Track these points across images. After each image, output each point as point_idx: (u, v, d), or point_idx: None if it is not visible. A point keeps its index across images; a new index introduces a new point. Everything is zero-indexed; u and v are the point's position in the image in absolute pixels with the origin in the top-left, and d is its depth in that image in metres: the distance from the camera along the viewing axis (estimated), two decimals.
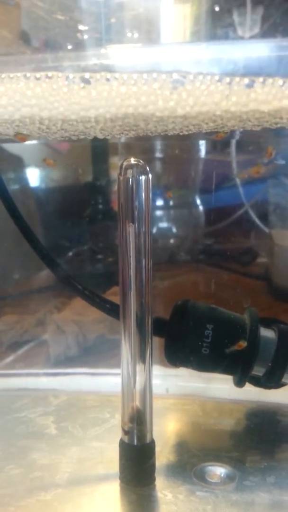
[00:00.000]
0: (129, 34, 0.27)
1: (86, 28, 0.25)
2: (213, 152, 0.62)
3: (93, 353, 0.51)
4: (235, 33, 0.26)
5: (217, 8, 0.26)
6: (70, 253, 0.64)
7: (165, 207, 0.66)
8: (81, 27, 0.25)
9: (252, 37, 0.26)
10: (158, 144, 0.60)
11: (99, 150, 0.64)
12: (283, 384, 0.34)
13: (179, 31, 0.34)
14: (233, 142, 0.56)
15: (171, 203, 0.66)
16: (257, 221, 0.61)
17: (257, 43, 0.28)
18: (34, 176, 0.66)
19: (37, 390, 0.44)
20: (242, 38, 0.26)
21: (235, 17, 0.25)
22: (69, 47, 0.25)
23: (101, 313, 0.36)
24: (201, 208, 0.65)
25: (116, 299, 0.31)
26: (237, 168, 0.59)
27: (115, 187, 0.28)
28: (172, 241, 0.68)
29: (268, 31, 0.26)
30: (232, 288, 0.56)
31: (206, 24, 0.28)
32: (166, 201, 0.66)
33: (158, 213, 0.66)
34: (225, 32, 0.26)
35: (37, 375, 0.46)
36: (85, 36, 0.25)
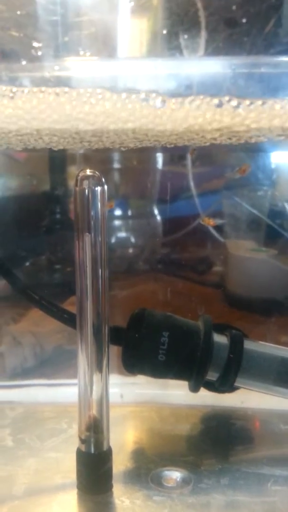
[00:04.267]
0: (85, 51, 0.28)
1: (40, 45, 0.26)
2: (170, 164, 0.63)
3: (51, 364, 0.50)
4: (182, 55, 0.27)
5: (164, 31, 0.27)
6: (27, 263, 0.64)
7: (124, 217, 0.67)
8: (35, 44, 0.26)
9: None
10: (116, 155, 0.61)
11: (56, 160, 0.65)
12: (236, 388, 0.36)
13: (136, 46, 0.35)
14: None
15: (129, 213, 0.67)
16: (213, 231, 0.63)
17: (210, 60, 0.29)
18: None
19: None
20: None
21: (181, 40, 0.27)
22: (23, 62, 0.26)
23: (59, 323, 0.36)
24: (158, 218, 0.66)
25: (74, 309, 0.31)
26: (193, 180, 0.61)
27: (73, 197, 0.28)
28: (130, 250, 0.69)
29: (211, 54, 0.27)
30: (188, 297, 0.57)
31: (161, 43, 0.30)
32: (125, 212, 0.67)
33: (117, 223, 0.67)
34: (172, 53, 0.28)
35: None
36: (39, 53, 0.26)
